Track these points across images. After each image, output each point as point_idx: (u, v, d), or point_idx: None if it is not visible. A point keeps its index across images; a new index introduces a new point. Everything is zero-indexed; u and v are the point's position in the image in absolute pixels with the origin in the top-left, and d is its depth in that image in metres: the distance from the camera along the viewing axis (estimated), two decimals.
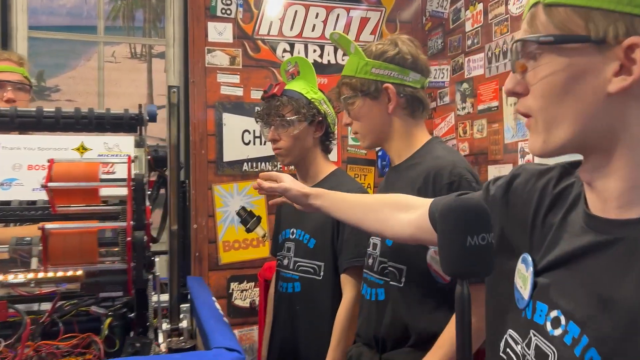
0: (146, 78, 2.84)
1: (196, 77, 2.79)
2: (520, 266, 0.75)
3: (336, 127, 1.84)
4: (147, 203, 1.12)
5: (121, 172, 1.49)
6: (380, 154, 3.11)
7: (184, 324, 1.24)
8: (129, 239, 0.95)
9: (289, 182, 1.32)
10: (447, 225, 0.64)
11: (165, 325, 1.23)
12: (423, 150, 1.40)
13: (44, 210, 1.05)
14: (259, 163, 2.84)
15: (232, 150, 2.81)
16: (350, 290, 1.56)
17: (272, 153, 1.86)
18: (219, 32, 2.80)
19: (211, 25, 2.79)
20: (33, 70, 2.70)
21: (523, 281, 0.73)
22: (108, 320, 1.26)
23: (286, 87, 1.77)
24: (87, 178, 0.98)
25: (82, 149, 1.50)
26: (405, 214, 1.10)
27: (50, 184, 0.96)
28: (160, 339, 1.21)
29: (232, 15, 2.83)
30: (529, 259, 0.73)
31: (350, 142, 2.99)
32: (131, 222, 0.96)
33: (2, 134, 1.50)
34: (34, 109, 1.51)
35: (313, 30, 2.96)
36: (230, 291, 2.79)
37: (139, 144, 1.55)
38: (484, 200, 0.87)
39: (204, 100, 2.80)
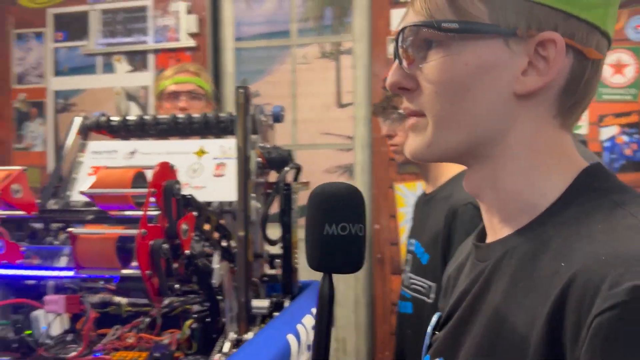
0: (335, 76, 2.89)
1: (378, 70, 2.72)
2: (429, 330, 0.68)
3: None
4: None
5: (230, 174, 1.54)
6: (608, 144, 2.55)
7: (250, 335, 1.22)
8: (137, 246, 0.96)
9: None
10: (308, 212, 0.60)
11: (231, 335, 1.22)
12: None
13: (101, 213, 1.14)
14: None
15: None
16: None
17: None
18: None
19: (394, 13, 2.69)
20: (238, 78, 3.02)
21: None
22: (188, 322, 1.32)
23: None
24: (119, 185, 1.03)
25: (201, 152, 1.61)
26: None
27: (86, 191, 1.03)
28: (226, 348, 1.21)
29: None
30: (436, 317, 0.67)
31: None
32: (142, 230, 0.97)
33: (144, 140, 1.71)
34: (167, 115, 1.68)
35: None
36: None
37: (252, 146, 1.59)
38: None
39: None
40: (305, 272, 1.81)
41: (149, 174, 1.07)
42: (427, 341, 0.66)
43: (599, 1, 0.54)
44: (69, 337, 1.33)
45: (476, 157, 0.58)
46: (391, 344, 2.68)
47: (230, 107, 2.95)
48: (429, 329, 0.66)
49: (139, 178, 1.07)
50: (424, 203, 1.59)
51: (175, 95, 2.12)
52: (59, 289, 1.32)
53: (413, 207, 1.76)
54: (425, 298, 1.47)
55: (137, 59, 3.12)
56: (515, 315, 0.50)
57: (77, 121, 1.70)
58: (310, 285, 1.66)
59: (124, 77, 3.14)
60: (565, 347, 0.44)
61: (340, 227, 0.56)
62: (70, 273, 1.06)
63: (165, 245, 1.01)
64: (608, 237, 0.48)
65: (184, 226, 1.06)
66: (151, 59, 3.09)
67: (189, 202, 1.12)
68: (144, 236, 0.97)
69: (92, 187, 1.04)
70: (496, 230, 0.60)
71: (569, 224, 0.52)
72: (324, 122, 2.91)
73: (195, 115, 1.66)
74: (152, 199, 1.04)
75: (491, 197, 0.59)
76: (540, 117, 0.56)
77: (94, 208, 1.32)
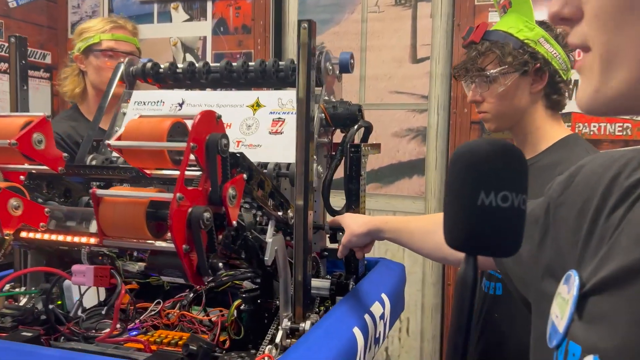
0: (410, 27, 2.62)
1: (462, 19, 2.43)
2: (561, 288, 0.58)
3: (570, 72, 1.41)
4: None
5: (288, 132, 1.35)
6: None
7: (307, 324, 1.04)
8: (172, 214, 0.78)
9: (347, 231, 1.26)
10: (453, 177, 0.49)
11: (285, 323, 1.05)
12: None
13: (136, 172, 0.98)
14: None
15: None
16: None
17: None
18: None
19: None
20: None
21: (561, 309, 0.56)
22: (235, 303, 1.15)
23: (491, 28, 1.41)
24: (152, 137, 0.86)
25: (257, 105, 1.42)
26: None
27: (113, 143, 0.86)
28: (278, 338, 1.04)
29: None
30: (575, 277, 0.55)
31: None
32: (178, 195, 0.79)
33: (194, 90, 1.54)
34: (218, 63, 1.50)
35: None
36: None
37: (316, 99, 1.38)
38: (541, 204, 0.72)
39: None
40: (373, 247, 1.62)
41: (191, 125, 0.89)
42: (567, 320, 0.54)
43: None
44: (104, 311, 1.21)
45: None
46: None
47: None
48: (573, 294, 0.54)
49: (177, 129, 0.89)
50: None
51: (112, 53, 1.96)
52: (93, 257, 1.18)
53: None
54: None
55: (194, 7, 2.95)
56: None
57: (120, 68, 1.55)
58: (378, 264, 1.47)
59: (180, 26, 2.99)
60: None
61: (500, 197, 0.46)
62: (94, 241, 0.90)
63: (207, 214, 0.83)
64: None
65: (231, 191, 0.88)
66: (209, 7, 2.91)
67: (238, 162, 0.93)
68: (181, 202, 0.80)
69: (119, 138, 0.87)
70: None
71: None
72: (396, 79, 2.66)
73: (251, 63, 1.47)
74: (193, 157, 0.86)
75: None
76: None
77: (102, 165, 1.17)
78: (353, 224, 1.25)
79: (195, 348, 0.86)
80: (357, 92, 2.68)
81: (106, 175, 1.14)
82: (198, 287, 1.29)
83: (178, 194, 0.79)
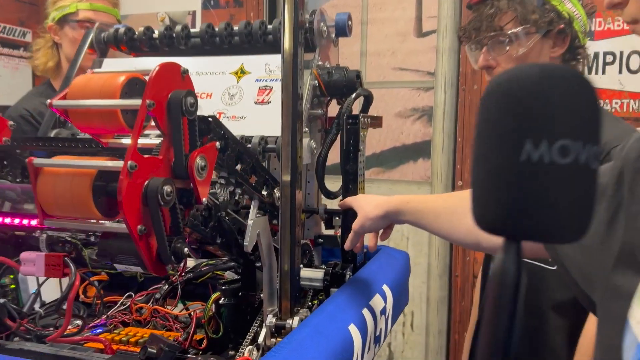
0: None
1: None
2: None
3: (586, 37, 1.31)
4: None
5: (277, 101, 1.21)
6: None
7: (295, 321, 0.90)
8: (122, 187, 0.64)
9: (360, 214, 1.08)
10: (485, 118, 0.33)
11: (270, 319, 0.91)
12: None
13: (93, 144, 0.84)
14: None
15: None
16: None
17: None
18: None
19: None
20: None
21: None
22: (213, 297, 1.02)
23: None
24: (103, 95, 0.71)
25: (241, 72, 1.28)
26: None
27: (56, 103, 0.72)
28: (261, 337, 0.90)
29: None
30: None
31: None
32: (130, 163, 0.64)
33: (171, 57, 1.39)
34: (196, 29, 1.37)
35: None
36: None
37: (306, 65, 1.25)
38: (610, 170, 0.58)
39: None
40: None
41: None
42: None
43: None
44: (65, 305, 1.07)
45: None
46: (469, 321, 2.33)
47: None
48: None
49: (135, 87, 0.75)
50: None
51: (89, 24, 1.75)
52: (53, 243, 1.05)
53: None
54: (545, 265, 1.18)
55: None
56: None
57: (90, 34, 1.41)
58: (378, 252, 1.33)
59: (168, 0, 2.85)
60: None
61: (558, 149, 0.31)
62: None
63: (168, 188, 0.69)
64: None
65: (199, 161, 0.74)
66: None
67: (210, 127, 0.79)
68: (134, 172, 0.66)
69: (64, 97, 0.73)
70: None
71: None
72: (400, 54, 2.51)
73: (236, 26, 1.32)
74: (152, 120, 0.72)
75: None
76: None
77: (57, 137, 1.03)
78: (367, 205, 1.07)
79: (154, 350, 0.72)
80: (357, 69, 2.53)
81: (64, 149, 1.00)
82: (175, 278, 1.15)
83: (130, 162, 0.65)
